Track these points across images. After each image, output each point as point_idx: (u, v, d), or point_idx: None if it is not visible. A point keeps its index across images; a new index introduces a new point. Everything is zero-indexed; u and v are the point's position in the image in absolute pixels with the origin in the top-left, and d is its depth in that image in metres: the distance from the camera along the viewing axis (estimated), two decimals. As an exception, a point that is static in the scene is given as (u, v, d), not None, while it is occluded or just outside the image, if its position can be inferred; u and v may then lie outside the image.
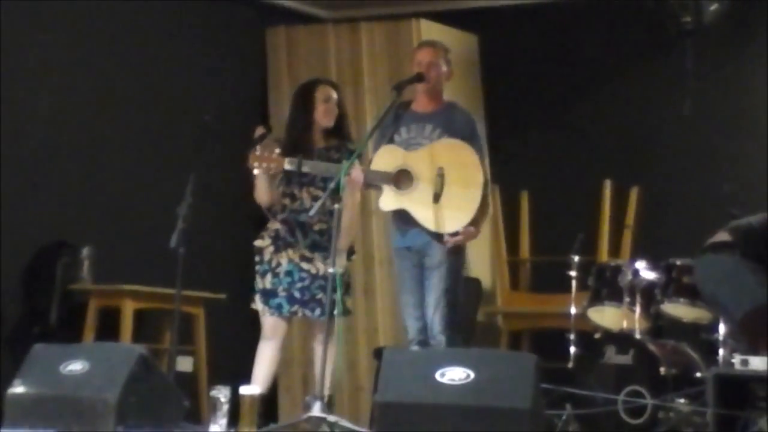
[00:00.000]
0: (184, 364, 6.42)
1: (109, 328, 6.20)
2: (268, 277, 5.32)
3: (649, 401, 4.89)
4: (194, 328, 6.54)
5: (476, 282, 6.75)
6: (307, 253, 5.29)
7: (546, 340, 6.14)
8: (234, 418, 4.39)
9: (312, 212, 5.03)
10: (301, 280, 5.27)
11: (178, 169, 5.37)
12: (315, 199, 5.27)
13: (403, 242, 5.12)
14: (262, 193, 5.33)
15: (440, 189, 4.92)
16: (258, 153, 5.10)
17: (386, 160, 5.06)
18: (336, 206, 4.79)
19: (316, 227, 5.30)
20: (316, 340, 5.34)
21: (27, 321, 6.18)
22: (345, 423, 4.48)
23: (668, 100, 6.75)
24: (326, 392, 5.28)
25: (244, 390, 5.32)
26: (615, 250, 6.60)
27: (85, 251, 6.36)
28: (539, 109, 7.11)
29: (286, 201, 5.34)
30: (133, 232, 6.56)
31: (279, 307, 5.28)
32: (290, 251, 5.30)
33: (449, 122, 5.09)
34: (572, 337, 5.52)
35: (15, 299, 6.20)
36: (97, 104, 6.59)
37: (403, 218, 5.06)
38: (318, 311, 5.25)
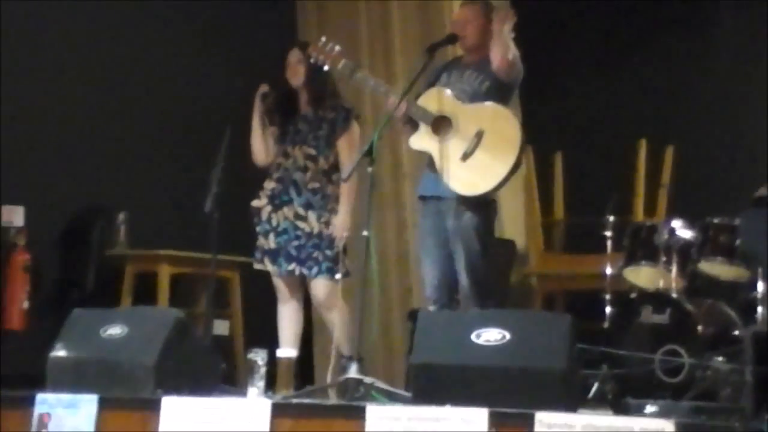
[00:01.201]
0: (221, 327, 6.47)
1: (145, 293, 6.25)
2: (271, 236, 5.36)
3: (686, 360, 4.88)
4: (230, 292, 6.58)
5: (510, 243, 6.74)
6: (302, 212, 5.33)
7: (581, 301, 6.12)
8: (271, 380, 4.42)
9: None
10: (297, 238, 5.32)
11: (212, 133, 5.38)
12: (308, 157, 5.34)
13: (429, 190, 5.06)
14: (258, 151, 5.40)
15: (472, 150, 4.88)
16: (320, 45, 5.12)
17: (433, 101, 5.00)
18: (369, 169, 4.80)
19: (310, 186, 5.34)
20: (317, 303, 5.36)
21: (65, 287, 6.24)
22: (381, 384, 4.50)
23: (704, 58, 6.68)
24: (347, 353, 5.33)
25: (281, 353, 5.37)
26: (650, 209, 6.56)
27: (121, 217, 6.41)
28: (574, 69, 7.06)
29: (281, 159, 5.39)
30: (168, 197, 6.60)
31: (279, 266, 5.32)
32: (285, 209, 5.34)
33: (491, 70, 5.01)
34: (608, 297, 5.51)
35: (52, 265, 6.25)
36: (132, 69, 6.61)
37: (429, 162, 5.03)
38: (315, 270, 5.29)
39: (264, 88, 5.44)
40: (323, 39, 5.18)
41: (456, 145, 4.90)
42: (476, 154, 4.88)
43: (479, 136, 4.88)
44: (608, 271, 5.61)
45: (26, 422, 4.22)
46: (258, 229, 5.43)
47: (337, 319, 5.35)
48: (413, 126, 5.04)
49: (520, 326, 3.92)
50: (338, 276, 5.29)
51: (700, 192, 6.45)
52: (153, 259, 6.30)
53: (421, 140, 4.99)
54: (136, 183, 6.56)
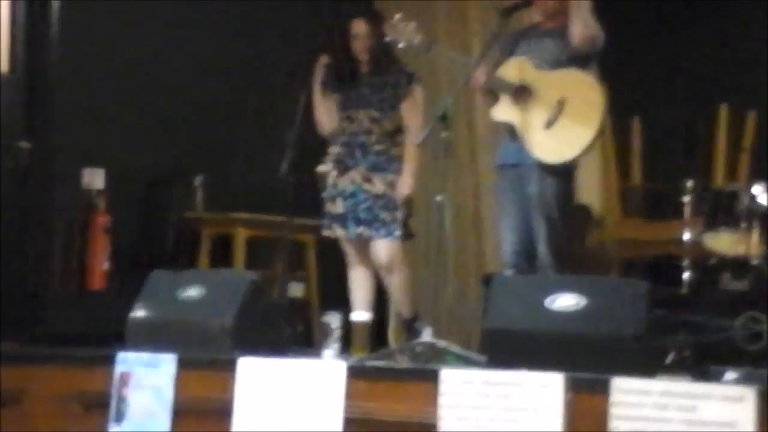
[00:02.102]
0: (296, 290, 6.51)
1: (222, 256, 6.31)
2: (339, 201, 5.38)
3: (766, 327, 4.81)
4: (305, 255, 6.62)
5: (586, 209, 6.69)
6: (368, 174, 5.34)
7: (659, 267, 6.06)
8: (345, 343, 4.45)
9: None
10: (365, 201, 5.34)
11: (286, 97, 5.41)
12: (372, 120, 5.35)
13: (508, 159, 5.05)
14: (322, 118, 5.42)
15: (555, 118, 4.85)
16: (396, 22, 5.13)
17: (513, 70, 4.97)
18: (444, 134, 4.79)
19: (375, 148, 5.35)
20: (380, 265, 5.38)
21: (143, 249, 6.33)
22: (455, 348, 4.51)
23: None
24: (407, 316, 5.35)
25: (356, 316, 5.43)
26: (731, 175, 6.47)
27: (198, 180, 6.47)
28: (653, 33, 6.96)
29: (345, 124, 5.40)
30: (244, 161, 6.64)
31: (347, 230, 5.35)
32: (352, 173, 5.36)
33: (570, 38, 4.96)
34: (686, 263, 5.45)
35: (132, 228, 6.34)
36: (205, 33, 6.64)
37: (511, 132, 5.01)
38: (383, 231, 5.31)
39: (324, 59, 5.45)
40: (398, 16, 5.16)
41: (538, 114, 4.88)
42: (559, 122, 4.85)
43: (561, 103, 4.85)
44: (687, 237, 5.55)
45: (107, 380, 4.30)
46: (324, 194, 5.46)
47: (397, 282, 5.38)
48: (494, 97, 5.02)
49: (596, 292, 3.89)
50: (398, 233, 5.29)
51: (782, 158, 6.35)
52: (229, 222, 6.35)
53: (503, 111, 4.98)
54: (213, 147, 6.61)
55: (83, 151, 6.07)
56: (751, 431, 3.25)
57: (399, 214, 5.34)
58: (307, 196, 5.45)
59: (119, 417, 4.25)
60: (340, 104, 5.47)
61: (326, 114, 5.48)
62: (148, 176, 6.41)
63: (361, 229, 5.36)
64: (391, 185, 5.36)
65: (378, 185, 5.36)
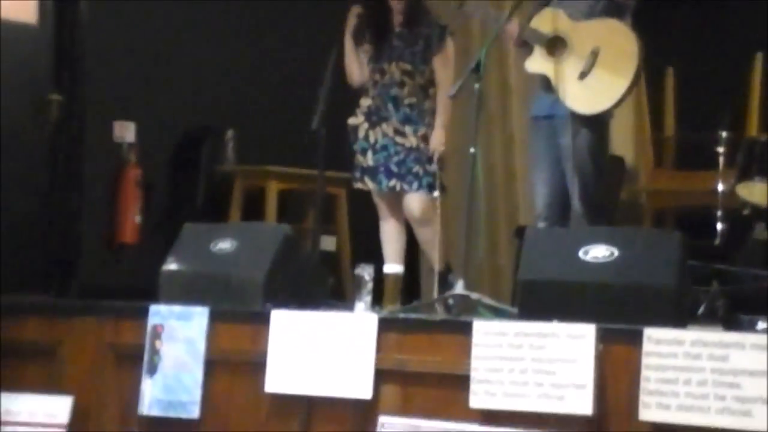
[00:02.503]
0: (328, 243, 6.52)
1: (254, 209, 6.32)
2: (369, 154, 5.37)
3: (800, 277, 4.78)
4: (337, 208, 6.62)
5: (619, 160, 6.64)
6: (400, 127, 5.32)
7: (692, 218, 6.02)
8: (377, 295, 4.46)
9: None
10: (397, 153, 5.32)
11: (318, 50, 5.38)
12: (405, 73, 5.32)
13: (542, 110, 5.03)
14: (352, 70, 5.39)
15: (589, 68, 4.81)
16: None
17: (546, 22, 4.93)
18: (476, 86, 4.77)
19: (407, 101, 5.33)
20: (412, 218, 5.36)
21: (175, 202, 6.35)
22: (487, 300, 4.51)
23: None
24: (439, 268, 5.35)
25: (388, 268, 5.43)
26: (765, 125, 6.41)
27: (229, 134, 6.48)
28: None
29: (377, 76, 5.37)
30: (276, 115, 6.64)
31: (380, 183, 5.33)
32: (384, 126, 5.34)
33: None
34: (719, 214, 5.42)
35: (163, 181, 6.36)
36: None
37: (545, 84, 4.98)
38: (415, 185, 5.30)
39: (357, 10, 5.43)
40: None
41: (572, 65, 4.84)
42: (594, 72, 4.81)
43: (595, 53, 4.81)
44: (720, 187, 5.51)
45: (140, 332, 4.33)
46: (355, 147, 5.45)
47: (429, 235, 5.37)
48: (527, 49, 4.99)
49: (628, 243, 3.87)
50: (436, 193, 5.29)
51: (817, 108, 6.28)
52: (261, 175, 6.36)
53: (537, 63, 4.94)
54: (245, 100, 6.60)
55: (114, 104, 6.08)
56: (784, 380, 3.24)
57: (431, 168, 5.33)
58: (339, 150, 5.44)
59: (152, 369, 4.28)
60: (372, 56, 5.45)
61: (357, 65, 5.45)
62: (180, 129, 6.42)
63: (393, 183, 5.35)
64: (424, 138, 5.35)
65: (410, 138, 5.35)
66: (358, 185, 5.49)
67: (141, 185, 6.10)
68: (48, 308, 4.76)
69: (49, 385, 4.49)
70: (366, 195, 5.56)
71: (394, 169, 5.34)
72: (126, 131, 6.13)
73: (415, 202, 5.35)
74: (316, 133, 5.11)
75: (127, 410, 4.35)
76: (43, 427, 4.38)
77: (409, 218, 5.44)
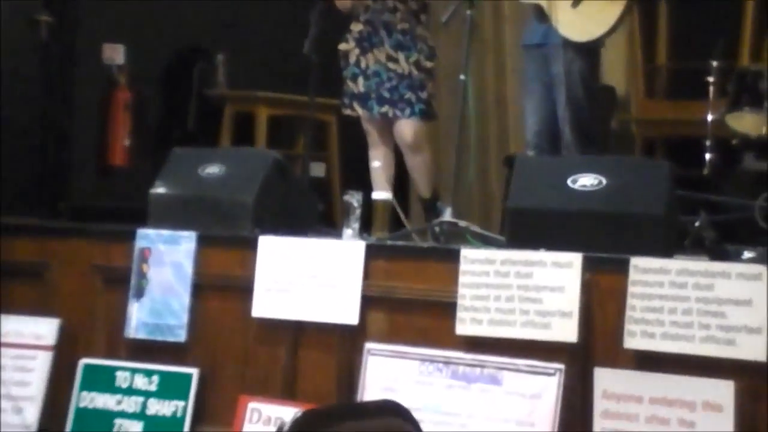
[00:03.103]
0: (317, 169, 6.51)
1: (244, 134, 6.30)
2: (360, 80, 5.33)
3: (787, 206, 4.79)
4: (327, 135, 6.60)
5: (610, 89, 6.63)
6: (393, 53, 5.28)
7: (681, 147, 6.02)
8: (366, 222, 4.46)
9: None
10: (389, 80, 5.28)
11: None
12: None
13: (534, 39, 5.01)
14: None
15: (582, -5, 4.79)
16: None
17: None
18: (468, 12, 4.73)
19: (400, 26, 5.28)
20: (404, 144, 5.35)
21: (165, 125, 6.33)
22: (475, 228, 4.52)
23: None
24: (426, 195, 5.35)
25: (377, 195, 5.40)
26: (757, 54, 6.38)
27: (220, 57, 6.43)
28: None
29: (368, 1, 5.31)
30: (267, 39, 6.59)
31: (371, 109, 5.31)
32: (376, 51, 5.30)
33: None
34: (708, 143, 5.42)
35: (153, 104, 6.33)
36: None
37: (537, 13, 4.95)
38: (408, 111, 5.27)
39: None
40: None
41: None
42: (586, 0, 4.78)
43: (589, -21, 4.78)
44: (710, 117, 5.50)
45: (128, 255, 4.34)
46: (345, 72, 5.40)
47: (420, 162, 5.36)
48: None
49: (617, 172, 3.87)
50: (423, 113, 5.25)
51: (810, 38, 6.25)
52: (251, 100, 6.34)
53: None
54: (235, 24, 6.55)
55: (104, 26, 6.03)
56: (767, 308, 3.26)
57: (424, 94, 5.30)
58: (330, 76, 5.41)
59: (139, 293, 4.30)
60: None
61: None
62: (170, 52, 6.37)
63: (385, 109, 5.33)
64: (416, 65, 5.31)
65: (403, 64, 5.31)
66: (348, 111, 5.46)
67: (130, 108, 6.07)
68: (37, 230, 4.75)
69: (38, 306, 4.50)
70: (356, 122, 5.54)
71: (386, 95, 5.31)
72: (115, 53, 6.08)
73: (407, 128, 5.33)
74: (307, 57, 5.07)
75: (114, 333, 4.37)
76: (31, 348, 4.40)
77: (400, 145, 5.43)
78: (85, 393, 4.29)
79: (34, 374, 4.36)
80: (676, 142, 6.31)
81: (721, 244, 3.78)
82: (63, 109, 5.92)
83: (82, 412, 4.28)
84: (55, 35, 5.85)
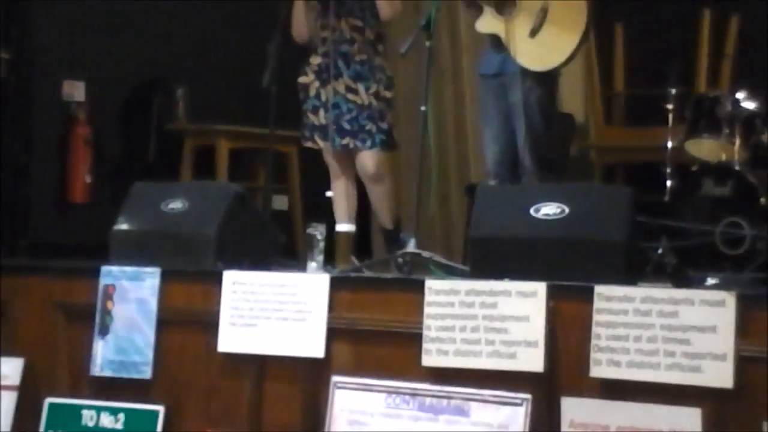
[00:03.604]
0: (279, 202, 6.51)
1: (204, 167, 6.29)
2: (321, 112, 5.34)
3: (747, 232, 4.83)
4: (288, 167, 6.60)
5: (569, 117, 6.67)
6: (352, 84, 5.29)
7: (641, 174, 6.06)
8: (329, 255, 4.46)
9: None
10: (349, 111, 5.29)
11: (269, 6, 5.34)
12: (354, 29, 5.28)
13: (491, 68, 5.04)
14: (300, 26, 5.35)
15: (539, 25, 4.82)
16: None
17: None
18: (427, 43, 4.75)
19: (358, 58, 5.29)
20: (366, 175, 5.36)
21: (125, 160, 6.30)
22: (439, 258, 4.52)
23: None
24: (389, 226, 5.36)
25: (340, 227, 5.43)
26: (714, 81, 6.45)
27: (180, 91, 6.42)
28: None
29: (326, 33, 5.32)
30: (226, 72, 6.59)
31: (333, 141, 5.32)
32: (335, 83, 5.31)
33: None
34: (668, 170, 5.46)
35: (113, 139, 6.31)
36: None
37: (495, 43, 4.99)
38: (369, 142, 5.28)
39: None
40: None
41: (522, 23, 4.85)
42: (544, 29, 4.82)
43: (545, 10, 4.82)
44: (669, 143, 5.55)
45: (91, 292, 4.30)
46: (305, 105, 5.40)
47: (382, 192, 5.38)
48: (476, 9, 4.99)
49: (579, 199, 3.89)
50: (383, 143, 5.26)
51: (765, 63, 6.32)
52: (211, 134, 6.33)
53: (487, 23, 4.95)
54: (194, 58, 6.55)
55: (63, 62, 6.01)
56: (732, 335, 3.28)
57: (384, 124, 5.32)
58: (290, 108, 5.41)
59: (104, 330, 4.26)
60: (321, 13, 5.40)
61: (305, 22, 5.40)
62: (129, 87, 6.35)
63: (346, 140, 5.33)
64: (376, 95, 5.32)
65: (362, 95, 5.32)
66: (309, 144, 5.46)
67: (90, 144, 6.04)
68: (-1, 266, 4.71)
69: (0, 346, 4.45)
70: (317, 154, 5.54)
71: (347, 126, 5.32)
72: (75, 90, 6.06)
73: (368, 159, 5.34)
74: (266, 90, 5.07)
75: (78, 371, 4.33)
76: (-5, 388, 4.37)
77: (362, 176, 5.43)
78: (51, 432, 4.26)
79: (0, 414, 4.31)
80: (636, 168, 6.36)
81: (683, 270, 3.81)
82: (21, 145, 5.89)
83: (49, 452, 4.25)
84: (13, 71, 5.82)
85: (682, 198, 5.24)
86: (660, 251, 3.87)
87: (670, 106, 5.62)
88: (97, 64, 6.09)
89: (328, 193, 5.35)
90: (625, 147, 6.55)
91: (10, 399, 4.32)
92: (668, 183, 5.44)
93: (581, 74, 6.82)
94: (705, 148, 5.45)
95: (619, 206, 3.84)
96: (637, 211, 3.89)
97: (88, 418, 4.21)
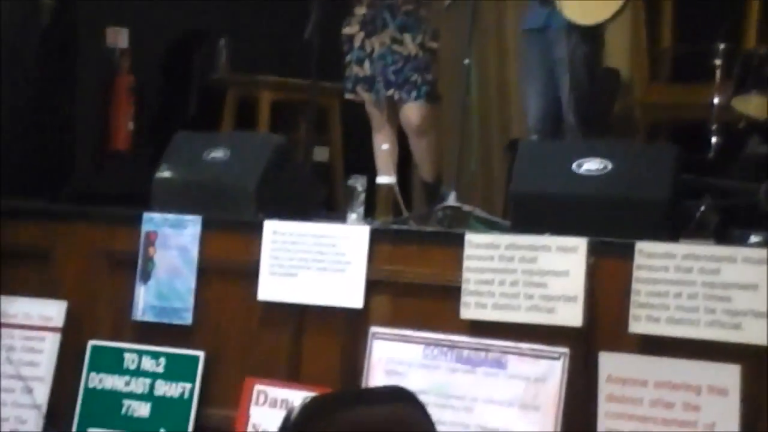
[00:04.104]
0: (320, 154, 6.50)
1: (246, 119, 6.29)
2: (366, 63, 5.30)
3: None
4: (329, 119, 6.59)
5: (614, 73, 6.61)
6: (398, 35, 5.26)
7: (687, 131, 6.01)
8: (370, 207, 4.46)
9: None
10: (394, 62, 5.26)
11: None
12: None
13: (536, 22, 4.99)
14: None
15: (586, -22, 4.78)
16: None
17: None
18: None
19: (404, 8, 5.25)
20: (410, 128, 5.33)
21: (168, 110, 6.31)
22: (479, 212, 4.51)
23: None
24: (430, 180, 5.34)
25: (380, 179, 5.41)
26: (764, 37, 6.35)
27: (222, 41, 6.41)
28: None
29: None
30: (269, 23, 6.57)
31: (377, 93, 5.29)
32: (381, 34, 5.27)
33: None
34: (714, 127, 5.40)
35: (156, 90, 6.32)
36: None
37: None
38: (414, 93, 5.25)
39: None
40: None
41: None
42: None
43: (594, -41, 4.77)
44: (716, 100, 5.48)
45: (133, 239, 4.34)
46: (349, 56, 5.38)
47: (425, 145, 5.35)
48: None
49: (622, 156, 3.87)
50: (429, 95, 5.23)
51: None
52: (254, 85, 6.32)
53: None
54: (238, 8, 6.53)
55: (107, 9, 6.01)
56: (773, 293, 3.26)
57: (429, 76, 5.28)
58: (332, 60, 5.39)
59: (145, 276, 4.31)
60: None
61: None
62: (172, 37, 6.35)
63: (391, 92, 5.30)
64: (422, 46, 5.29)
65: (409, 46, 5.28)
66: (351, 96, 5.44)
67: (133, 92, 6.05)
68: (41, 213, 4.75)
69: (44, 289, 4.51)
70: (359, 106, 5.53)
71: (392, 78, 5.29)
72: (119, 37, 6.06)
73: (413, 111, 5.31)
74: (309, 41, 5.06)
75: (120, 316, 4.38)
76: (39, 330, 4.42)
77: (406, 128, 5.41)
78: (93, 374, 4.32)
79: (44, 355, 4.38)
80: (681, 126, 6.30)
81: (726, 228, 3.78)
82: (65, 93, 5.91)
83: (91, 393, 4.31)
84: (57, 18, 5.83)
85: (728, 156, 5.19)
86: (703, 209, 3.83)
87: (718, 62, 5.54)
88: (140, 12, 6.09)
89: (384, 146, 5.33)
90: (670, 104, 6.48)
91: (53, 340, 4.39)
92: (713, 140, 5.39)
93: (628, 30, 6.75)
94: (752, 106, 5.38)
95: (663, 164, 3.81)
96: (681, 169, 3.86)
97: (130, 361, 4.27)
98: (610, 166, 3.83)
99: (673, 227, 3.71)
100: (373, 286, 3.96)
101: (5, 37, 5.62)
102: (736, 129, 5.30)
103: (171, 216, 4.29)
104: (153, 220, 4.33)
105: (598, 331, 3.57)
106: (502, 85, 6.94)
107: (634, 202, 3.74)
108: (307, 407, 1.77)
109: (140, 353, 4.27)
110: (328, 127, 6.60)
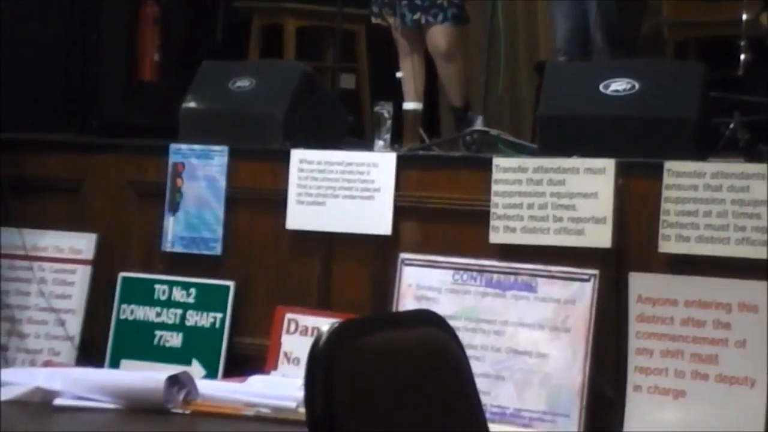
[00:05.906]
0: (347, 81, 6.47)
1: (272, 47, 6.26)
2: None
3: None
4: (356, 46, 6.54)
5: (641, -8, 6.53)
6: None
7: (715, 49, 5.94)
8: (397, 133, 4.45)
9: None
10: None
11: None
12: None
13: None
14: None
15: None
16: None
17: None
18: None
19: None
20: (437, 52, 5.27)
21: (193, 39, 6.29)
22: (507, 136, 4.49)
23: None
24: (458, 104, 5.30)
25: (407, 105, 5.39)
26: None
27: (246, -31, 6.37)
28: None
29: None
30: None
31: (402, 17, 5.23)
32: None
33: None
34: (743, 43, 5.33)
35: (180, 20, 6.29)
36: None
37: None
38: (441, 16, 5.17)
39: None
40: None
41: None
42: None
43: None
44: (744, 16, 5.41)
45: (161, 170, 4.35)
46: None
47: (453, 70, 5.30)
48: None
49: (650, 75, 3.84)
50: (456, 18, 5.17)
51: None
52: (279, 12, 6.27)
53: None
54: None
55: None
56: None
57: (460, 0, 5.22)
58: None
59: (174, 207, 4.32)
60: None
61: None
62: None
63: (417, 15, 5.23)
64: None
65: None
66: (377, 21, 5.39)
67: (159, 22, 6.03)
68: (70, 146, 4.76)
69: (73, 222, 4.53)
70: (385, 31, 5.48)
71: (418, 1, 5.23)
72: (143, -34, 6.03)
73: (440, 35, 5.24)
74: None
75: (150, 247, 4.40)
76: (70, 262, 4.45)
77: (433, 53, 5.35)
78: (125, 305, 4.35)
79: (75, 287, 4.41)
80: (709, 44, 6.22)
81: (755, 145, 3.76)
82: (90, 25, 5.89)
83: (123, 324, 4.35)
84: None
85: (757, 72, 5.13)
86: (732, 126, 3.80)
87: (745, -23, 5.46)
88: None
89: (398, 74, 5.30)
90: (698, 21, 6.39)
91: (84, 273, 4.42)
92: (742, 57, 5.32)
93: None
94: (782, 21, 5.32)
95: (691, 82, 3.78)
96: (709, 86, 3.82)
97: (160, 292, 4.30)
98: (637, 86, 3.80)
99: (702, 146, 3.69)
100: (401, 213, 3.97)
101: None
102: (765, 45, 5.23)
103: (198, 147, 4.29)
104: (180, 150, 4.33)
105: (628, 251, 3.57)
106: (529, 6, 6.87)
107: (662, 121, 3.71)
108: (336, 331, 1.78)
109: (171, 284, 4.29)
110: (354, 54, 6.56)
